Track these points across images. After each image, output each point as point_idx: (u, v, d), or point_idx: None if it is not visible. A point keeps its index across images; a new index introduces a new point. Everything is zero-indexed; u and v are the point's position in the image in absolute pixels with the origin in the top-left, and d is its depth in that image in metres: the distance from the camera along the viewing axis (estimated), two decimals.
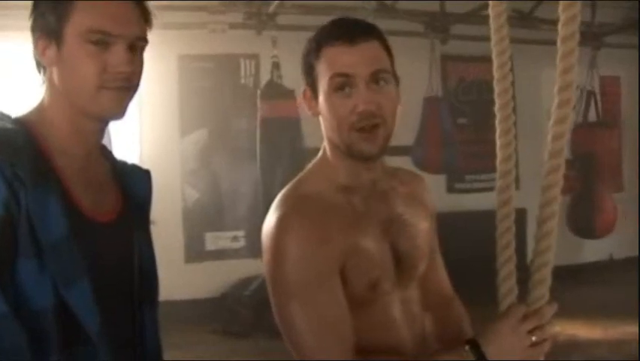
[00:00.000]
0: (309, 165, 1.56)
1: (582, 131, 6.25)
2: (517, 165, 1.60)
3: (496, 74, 1.59)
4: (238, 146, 6.59)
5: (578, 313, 5.45)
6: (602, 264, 7.78)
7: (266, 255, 1.42)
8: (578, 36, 1.47)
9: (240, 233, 6.65)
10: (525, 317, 1.38)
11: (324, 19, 1.51)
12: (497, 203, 1.55)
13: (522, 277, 1.48)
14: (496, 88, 1.59)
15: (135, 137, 6.06)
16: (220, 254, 6.64)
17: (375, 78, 1.43)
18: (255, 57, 6.66)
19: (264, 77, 6.15)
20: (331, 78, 1.42)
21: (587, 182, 6.27)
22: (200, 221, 6.61)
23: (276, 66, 5.62)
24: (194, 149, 6.60)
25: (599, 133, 6.44)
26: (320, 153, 1.55)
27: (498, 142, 1.57)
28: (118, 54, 1.26)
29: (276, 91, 5.59)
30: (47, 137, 1.28)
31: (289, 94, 5.51)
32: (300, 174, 1.54)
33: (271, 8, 5.79)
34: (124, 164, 1.50)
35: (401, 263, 1.51)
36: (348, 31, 1.44)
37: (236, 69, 6.70)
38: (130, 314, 1.37)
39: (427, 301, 1.61)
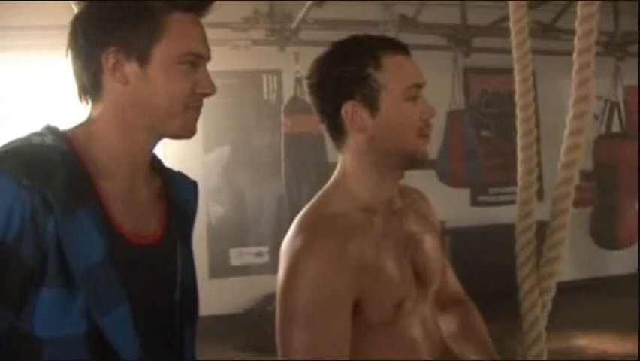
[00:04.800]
0: (328, 184, 1.54)
1: (605, 142, 6.18)
2: (541, 177, 1.59)
3: (518, 88, 1.58)
4: (261, 162, 6.61)
5: (608, 327, 5.35)
6: (631, 276, 7.66)
7: (281, 272, 1.40)
8: (594, 49, 1.46)
9: (264, 249, 6.66)
10: None
11: (346, 34, 1.51)
12: (518, 216, 1.55)
13: None
14: (518, 102, 1.58)
15: (159, 153, 6.08)
16: (244, 270, 6.64)
17: None
18: (277, 73, 6.70)
19: (287, 93, 6.16)
20: (409, 88, 1.44)
21: (609, 193, 6.19)
22: (224, 237, 6.62)
23: (298, 82, 5.63)
24: (218, 165, 6.62)
25: (622, 144, 6.35)
26: (337, 173, 1.53)
27: (519, 156, 1.57)
28: (205, 75, 1.30)
29: (299, 106, 5.60)
30: (93, 154, 1.25)
31: (312, 109, 5.50)
32: (320, 193, 1.52)
33: (294, 24, 5.82)
34: (172, 173, 1.51)
35: (419, 281, 1.51)
36: (400, 43, 1.49)
37: (259, 85, 6.74)
38: (171, 339, 1.35)
39: (444, 302, 1.65)
